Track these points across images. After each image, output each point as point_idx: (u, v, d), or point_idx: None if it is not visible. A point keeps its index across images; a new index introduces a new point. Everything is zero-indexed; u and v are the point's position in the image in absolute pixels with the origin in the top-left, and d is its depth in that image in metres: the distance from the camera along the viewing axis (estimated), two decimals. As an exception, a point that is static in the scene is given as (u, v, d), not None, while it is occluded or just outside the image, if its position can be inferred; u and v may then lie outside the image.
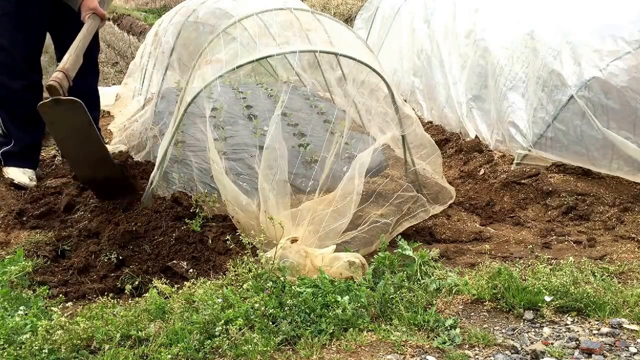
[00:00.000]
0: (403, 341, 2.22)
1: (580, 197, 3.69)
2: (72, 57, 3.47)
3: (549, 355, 2.16)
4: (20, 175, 3.93)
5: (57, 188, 3.78)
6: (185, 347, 2.08)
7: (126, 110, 5.66)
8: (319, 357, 2.13)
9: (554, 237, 3.37)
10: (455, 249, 3.23)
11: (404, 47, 6.28)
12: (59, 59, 4.42)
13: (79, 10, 3.86)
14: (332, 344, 2.21)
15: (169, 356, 2.04)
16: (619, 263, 2.93)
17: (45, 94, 3.33)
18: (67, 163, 3.74)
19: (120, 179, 3.39)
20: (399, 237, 2.92)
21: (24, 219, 3.43)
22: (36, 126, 3.99)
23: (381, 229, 3.07)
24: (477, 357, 2.17)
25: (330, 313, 2.29)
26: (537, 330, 2.35)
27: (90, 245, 2.91)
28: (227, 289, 2.39)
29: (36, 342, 2.01)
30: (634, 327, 2.34)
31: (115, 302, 2.40)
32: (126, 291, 2.47)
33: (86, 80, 4.24)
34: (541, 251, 3.16)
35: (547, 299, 2.47)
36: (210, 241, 2.96)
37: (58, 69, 3.32)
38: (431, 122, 5.58)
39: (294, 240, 2.73)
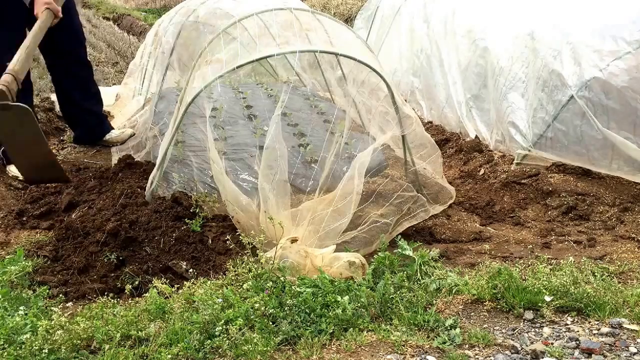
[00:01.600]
0: (403, 341, 2.22)
1: (580, 197, 3.69)
2: (22, 57, 3.44)
3: (549, 355, 2.16)
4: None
5: (57, 188, 3.79)
6: (185, 347, 2.08)
7: (126, 110, 5.67)
8: (319, 357, 2.13)
9: (554, 237, 3.37)
10: (455, 249, 3.23)
11: (404, 47, 6.28)
12: (49, 65, 4.50)
13: (30, 5, 3.83)
14: (332, 344, 2.21)
15: (169, 356, 2.04)
16: (619, 263, 2.93)
17: None
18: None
19: (59, 174, 3.55)
20: (399, 237, 2.93)
21: (24, 219, 3.44)
22: None
23: (381, 229, 3.07)
24: (477, 357, 2.17)
25: (330, 313, 2.29)
26: (537, 330, 2.35)
27: (90, 246, 2.91)
28: (227, 289, 2.40)
29: (36, 342, 2.01)
30: (634, 327, 2.34)
31: (115, 302, 2.40)
32: (126, 291, 2.47)
33: (77, 78, 4.41)
34: (541, 251, 3.16)
35: (547, 299, 2.47)
36: (210, 241, 2.96)
37: (6, 72, 3.31)
38: (431, 122, 5.58)
39: (294, 240, 2.73)
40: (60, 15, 3.89)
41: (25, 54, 3.48)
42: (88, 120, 4.80)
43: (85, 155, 4.72)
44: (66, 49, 4.41)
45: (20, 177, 3.91)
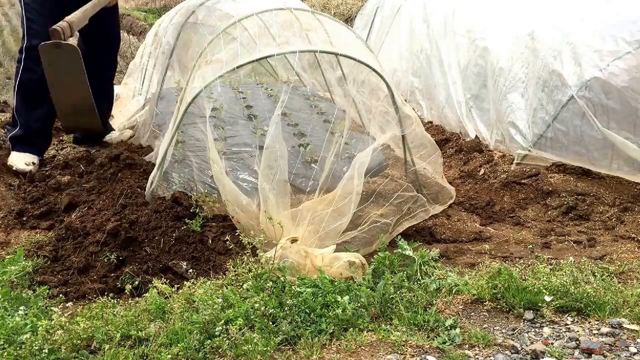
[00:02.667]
0: (403, 341, 2.22)
1: (580, 197, 3.69)
2: (80, 14, 3.76)
3: (549, 355, 2.16)
4: (18, 161, 4.07)
5: (57, 188, 3.79)
6: (185, 347, 2.08)
7: (126, 110, 5.66)
8: (319, 357, 2.13)
9: (554, 237, 3.37)
10: (455, 249, 3.23)
11: (404, 47, 6.28)
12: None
13: None
14: (332, 344, 2.21)
15: (169, 356, 2.04)
16: (619, 263, 2.93)
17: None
18: (58, 116, 4.04)
19: (95, 122, 3.75)
20: (399, 237, 2.93)
21: (24, 219, 3.44)
22: (48, 112, 4.15)
23: (381, 229, 3.07)
24: (477, 357, 2.17)
25: (330, 313, 2.29)
26: (537, 330, 2.35)
27: (90, 246, 2.91)
28: (227, 289, 2.40)
29: (36, 342, 2.01)
30: (634, 327, 2.34)
31: (115, 302, 2.40)
32: (126, 291, 2.47)
33: (100, 75, 4.48)
34: (541, 251, 3.16)
35: (547, 299, 2.47)
36: (210, 241, 2.96)
37: (64, 20, 3.57)
38: (431, 122, 5.58)
39: (294, 240, 2.73)
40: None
41: (82, 14, 3.78)
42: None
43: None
44: (103, 46, 4.52)
45: (14, 168, 4.03)
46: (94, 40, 4.37)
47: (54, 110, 4.04)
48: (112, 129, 5.01)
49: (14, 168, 4.04)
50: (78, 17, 3.73)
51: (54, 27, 3.49)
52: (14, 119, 4.24)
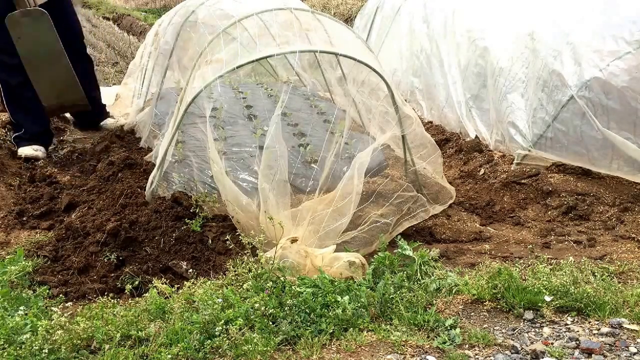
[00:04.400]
0: (403, 341, 2.22)
1: (580, 197, 3.69)
2: None
3: (549, 355, 2.16)
4: (29, 150, 4.39)
5: (57, 188, 3.79)
6: (185, 347, 2.08)
7: (125, 111, 5.68)
8: (319, 357, 2.13)
9: (554, 237, 3.37)
10: (455, 249, 3.23)
11: (404, 47, 6.28)
12: None
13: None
14: (332, 344, 2.21)
15: (169, 356, 2.04)
16: (619, 263, 2.92)
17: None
18: (39, 95, 4.00)
19: (80, 98, 3.72)
20: (399, 237, 2.92)
21: (24, 219, 3.44)
22: (42, 116, 4.49)
23: (381, 229, 3.07)
24: (477, 357, 2.17)
25: (330, 313, 2.29)
26: (537, 330, 2.35)
27: (90, 246, 2.91)
28: (227, 289, 2.40)
29: (36, 342, 2.01)
30: (634, 327, 2.34)
31: (115, 302, 2.40)
32: (126, 291, 2.47)
33: (79, 70, 4.70)
34: (541, 251, 3.16)
35: (547, 299, 2.47)
36: (210, 241, 2.96)
37: None
38: (431, 122, 5.58)
39: (294, 240, 2.73)
40: None
41: None
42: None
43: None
44: (66, 43, 4.62)
45: (24, 156, 4.26)
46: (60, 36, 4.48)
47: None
48: (109, 115, 5.45)
49: (24, 155, 4.35)
50: None
51: None
52: (15, 125, 4.53)
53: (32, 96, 4.27)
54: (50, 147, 4.67)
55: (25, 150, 4.44)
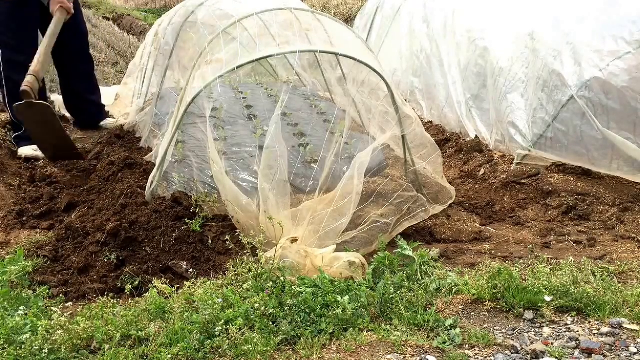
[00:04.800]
0: (403, 341, 2.22)
1: (580, 197, 3.69)
2: (42, 57, 4.16)
3: (549, 355, 2.16)
4: (29, 150, 4.50)
5: (57, 188, 3.79)
6: (185, 347, 2.08)
7: (126, 111, 5.68)
8: (319, 357, 2.13)
9: (554, 237, 3.37)
10: (455, 249, 3.23)
11: (404, 47, 6.28)
12: (56, 61, 5.08)
13: (48, 4, 4.44)
14: (332, 343, 2.21)
15: (169, 356, 2.04)
16: (619, 263, 2.92)
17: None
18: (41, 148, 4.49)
19: (75, 154, 4.30)
20: (399, 237, 2.92)
21: (24, 219, 3.44)
22: None
23: (381, 229, 3.07)
24: (477, 357, 2.17)
25: (330, 313, 2.29)
26: (537, 330, 2.35)
27: (90, 246, 2.91)
28: (227, 289, 2.40)
29: (36, 342, 2.01)
30: (634, 327, 2.34)
31: (115, 302, 2.40)
32: (126, 291, 2.47)
33: (82, 72, 5.04)
34: (541, 251, 3.16)
35: (547, 298, 2.47)
36: (210, 241, 2.96)
37: (29, 73, 4.02)
38: (431, 122, 5.58)
39: (294, 240, 2.73)
40: (72, 11, 4.55)
41: (44, 54, 4.19)
42: (89, 109, 5.43)
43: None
44: (72, 44, 4.90)
45: (24, 156, 4.45)
46: (65, 35, 4.59)
47: None
48: (109, 115, 5.55)
49: (24, 156, 4.47)
50: (41, 61, 4.11)
51: (23, 88, 3.91)
52: (15, 124, 4.61)
53: None
54: None
55: (25, 151, 4.50)
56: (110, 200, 3.35)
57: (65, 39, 4.57)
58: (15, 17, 4.39)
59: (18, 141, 4.59)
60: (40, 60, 4.12)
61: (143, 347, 2.10)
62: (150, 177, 3.33)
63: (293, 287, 2.40)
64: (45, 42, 4.24)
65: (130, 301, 2.50)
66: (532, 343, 2.24)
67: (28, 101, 3.94)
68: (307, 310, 2.30)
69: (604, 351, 2.19)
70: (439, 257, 2.88)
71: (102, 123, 5.43)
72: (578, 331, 2.33)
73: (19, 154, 4.51)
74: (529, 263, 2.87)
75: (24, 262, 2.56)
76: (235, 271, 2.51)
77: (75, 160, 4.26)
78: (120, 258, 2.82)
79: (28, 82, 3.96)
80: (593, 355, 2.16)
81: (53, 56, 4.77)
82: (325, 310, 2.31)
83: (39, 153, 4.44)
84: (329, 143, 3.37)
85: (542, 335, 2.31)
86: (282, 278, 2.46)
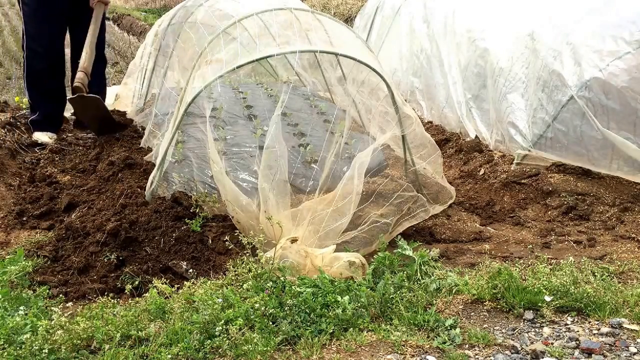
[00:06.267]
0: (403, 341, 2.22)
1: (580, 197, 3.69)
2: (88, 53, 4.59)
3: (549, 355, 2.16)
4: (42, 136, 4.81)
5: (57, 188, 3.79)
6: (185, 347, 2.08)
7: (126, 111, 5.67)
8: (319, 357, 2.13)
9: (554, 237, 3.37)
10: (455, 249, 3.23)
11: (404, 47, 6.28)
12: (73, 47, 5.25)
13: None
14: (332, 343, 2.21)
15: (169, 356, 2.04)
16: (619, 263, 2.93)
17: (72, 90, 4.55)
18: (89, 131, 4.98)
19: (120, 126, 4.71)
20: (399, 237, 2.92)
21: (24, 219, 3.44)
22: (57, 99, 4.99)
23: (381, 229, 3.07)
24: (477, 357, 2.17)
25: (330, 313, 2.29)
26: (537, 330, 2.35)
27: (90, 246, 2.91)
28: (227, 289, 2.39)
29: (36, 342, 2.01)
30: (634, 327, 2.34)
31: (115, 302, 2.40)
32: (126, 291, 2.47)
33: (94, 69, 5.07)
34: (541, 251, 3.16)
35: (547, 299, 2.47)
36: (210, 241, 2.96)
37: (79, 69, 4.49)
38: (431, 122, 5.58)
39: (294, 240, 2.73)
40: (110, 1, 5.04)
41: (90, 50, 4.62)
42: None
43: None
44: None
45: (39, 142, 4.76)
46: (83, 35, 4.79)
47: (64, 98, 5.01)
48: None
49: (39, 141, 4.76)
50: (88, 57, 4.55)
51: (76, 84, 4.41)
52: (32, 107, 4.98)
53: (50, 82, 4.80)
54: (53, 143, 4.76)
55: (40, 136, 4.80)
56: (110, 200, 3.35)
57: (83, 39, 4.75)
58: (43, 8, 4.64)
59: (33, 125, 4.88)
60: (88, 56, 4.55)
61: (143, 347, 2.10)
62: (150, 177, 3.33)
63: (293, 287, 2.40)
64: (89, 39, 4.62)
65: (130, 301, 2.50)
66: (532, 343, 2.24)
67: (80, 95, 4.39)
68: (307, 310, 2.30)
69: (604, 351, 2.19)
70: (439, 257, 2.88)
71: None
72: (578, 331, 2.33)
73: (33, 138, 4.81)
74: (529, 263, 2.87)
75: (24, 262, 2.56)
76: (235, 271, 2.51)
77: (120, 131, 4.67)
78: (120, 258, 2.81)
79: (79, 78, 4.41)
80: (593, 355, 2.16)
81: (71, 56, 5.06)
82: (325, 310, 2.31)
83: (52, 141, 4.72)
84: (329, 143, 3.37)
85: (542, 335, 2.31)
86: (282, 278, 2.46)
